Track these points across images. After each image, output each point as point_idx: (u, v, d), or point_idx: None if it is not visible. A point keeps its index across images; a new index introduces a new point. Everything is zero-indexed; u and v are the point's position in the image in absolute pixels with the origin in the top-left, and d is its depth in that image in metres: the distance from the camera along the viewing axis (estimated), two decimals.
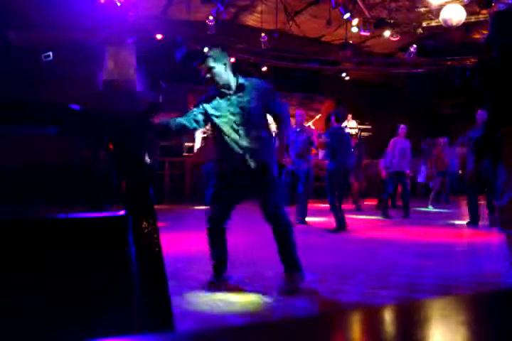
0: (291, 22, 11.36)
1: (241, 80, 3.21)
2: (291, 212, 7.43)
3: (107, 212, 0.91)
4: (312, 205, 7.73)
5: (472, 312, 0.59)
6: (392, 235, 6.18)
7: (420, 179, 12.18)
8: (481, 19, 10.42)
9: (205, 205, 3.38)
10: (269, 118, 3.35)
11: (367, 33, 11.08)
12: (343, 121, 7.61)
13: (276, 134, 3.44)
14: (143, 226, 0.88)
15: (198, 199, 8.39)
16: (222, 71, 3.14)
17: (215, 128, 3.24)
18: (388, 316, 0.58)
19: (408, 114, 13.47)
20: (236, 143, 3.16)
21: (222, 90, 3.19)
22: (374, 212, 8.90)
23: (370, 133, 14.15)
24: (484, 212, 7.15)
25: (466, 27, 11.10)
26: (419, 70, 13.41)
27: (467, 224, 6.97)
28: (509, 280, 3.63)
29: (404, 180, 8.13)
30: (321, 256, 4.54)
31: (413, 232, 6.48)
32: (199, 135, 8.74)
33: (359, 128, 13.76)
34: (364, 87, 14.75)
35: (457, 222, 7.52)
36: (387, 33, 11.15)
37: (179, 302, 2.95)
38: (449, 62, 13.03)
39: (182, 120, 3.20)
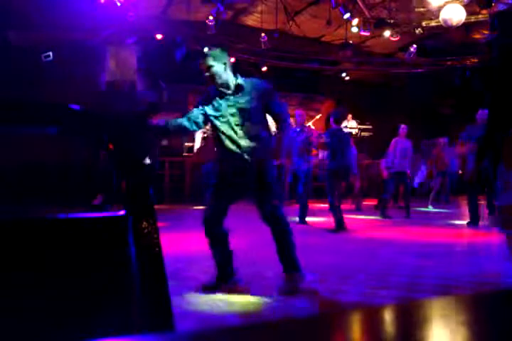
0: (291, 22, 11.36)
1: (240, 80, 3.21)
2: (291, 212, 7.45)
3: (107, 212, 0.91)
4: (312, 205, 7.73)
5: (472, 312, 0.59)
6: (392, 235, 6.18)
7: (416, 183, 12.08)
8: (481, 19, 10.42)
9: (204, 205, 3.37)
10: (269, 118, 3.35)
11: (367, 33, 11.08)
12: (343, 121, 7.60)
13: (275, 134, 3.44)
14: (143, 226, 0.88)
15: (197, 199, 8.39)
16: (222, 70, 3.15)
17: (214, 128, 3.24)
18: (388, 316, 0.58)
19: (408, 114, 13.45)
20: (235, 143, 3.16)
21: (221, 90, 3.19)
22: (374, 212, 8.90)
23: (371, 133, 14.14)
24: (484, 212, 7.15)
25: (466, 27, 11.10)
26: (419, 70, 13.41)
27: (467, 224, 6.97)
28: (509, 280, 3.63)
29: (405, 180, 8.14)
30: (321, 256, 4.54)
31: (413, 232, 6.48)
32: (199, 135, 8.75)
33: (359, 128, 13.75)
34: (364, 87, 14.75)
35: (457, 222, 7.52)
36: (387, 33, 11.15)
37: (179, 302, 2.95)
38: (449, 62, 13.03)
39: (182, 121, 3.21)
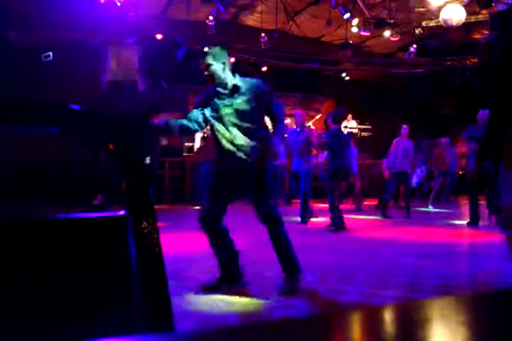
0: (291, 22, 11.36)
1: (237, 81, 3.21)
2: (291, 212, 7.45)
3: (107, 212, 0.91)
4: (312, 205, 7.73)
5: (472, 312, 0.59)
6: (392, 235, 6.18)
7: (414, 183, 12.01)
8: (481, 19, 10.43)
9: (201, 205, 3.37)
10: (266, 118, 3.36)
11: (367, 33, 11.09)
12: (342, 121, 7.61)
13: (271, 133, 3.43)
14: (143, 226, 0.88)
15: (198, 199, 8.39)
16: (220, 69, 3.15)
17: (212, 128, 3.25)
18: (388, 316, 0.58)
19: (408, 114, 13.46)
20: (232, 142, 3.17)
21: (219, 89, 3.19)
22: (374, 212, 8.90)
23: (370, 133, 14.15)
24: (484, 212, 7.15)
25: (466, 27, 11.11)
26: (419, 70, 13.42)
27: (467, 224, 6.98)
28: (509, 280, 3.63)
29: (406, 180, 8.15)
30: (321, 256, 4.54)
31: (413, 232, 6.48)
32: (199, 135, 8.75)
33: (359, 128, 13.76)
34: (364, 87, 14.76)
35: (457, 222, 7.52)
36: (387, 33, 11.16)
37: (179, 302, 2.95)
38: (449, 62, 13.04)
39: (185, 122, 3.21)
